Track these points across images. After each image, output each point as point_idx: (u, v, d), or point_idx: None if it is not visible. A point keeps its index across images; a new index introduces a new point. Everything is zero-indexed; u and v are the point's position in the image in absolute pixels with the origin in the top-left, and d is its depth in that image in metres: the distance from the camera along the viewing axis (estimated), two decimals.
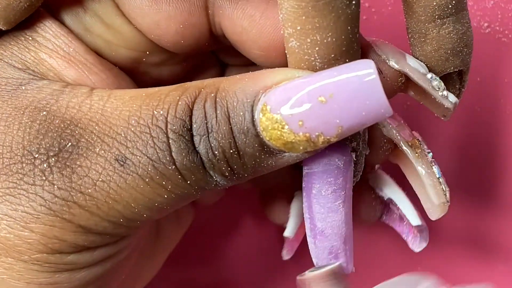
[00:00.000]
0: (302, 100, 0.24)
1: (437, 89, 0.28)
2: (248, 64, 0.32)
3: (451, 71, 0.29)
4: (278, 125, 0.24)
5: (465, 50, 0.28)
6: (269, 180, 0.35)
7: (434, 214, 0.29)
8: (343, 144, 0.26)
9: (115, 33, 0.29)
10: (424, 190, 0.29)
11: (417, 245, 0.31)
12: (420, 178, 0.29)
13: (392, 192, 0.31)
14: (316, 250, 0.28)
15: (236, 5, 0.28)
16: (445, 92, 0.28)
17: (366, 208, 0.32)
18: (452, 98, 0.28)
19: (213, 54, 0.33)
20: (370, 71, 0.23)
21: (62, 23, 0.28)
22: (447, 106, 0.28)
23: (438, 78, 0.28)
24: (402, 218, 0.31)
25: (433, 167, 0.29)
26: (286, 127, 0.24)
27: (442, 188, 0.29)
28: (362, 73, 0.23)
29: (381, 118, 0.24)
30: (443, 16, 0.27)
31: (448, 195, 0.29)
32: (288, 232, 0.33)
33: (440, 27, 0.27)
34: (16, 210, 0.25)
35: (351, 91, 0.23)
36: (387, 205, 0.32)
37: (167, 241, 0.36)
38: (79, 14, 0.29)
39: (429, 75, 0.28)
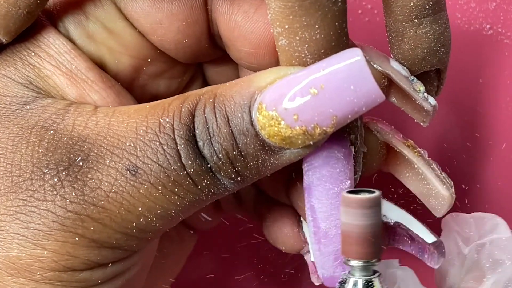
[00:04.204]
0: (295, 95, 0.25)
1: (418, 91, 0.29)
2: None
3: (428, 69, 0.30)
4: (274, 122, 0.25)
5: (442, 49, 0.29)
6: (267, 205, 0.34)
7: (441, 209, 0.29)
8: (341, 137, 0.27)
9: (118, 38, 0.30)
10: (426, 190, 0.30)
11: (435, 261, 0.30)
12: (421, 178, 0.29)
13: (398, 215, 0.31)
14: (322, 257, 0.28)
15: (233, 1, 0.29)
16: (425, 95, 0.29)
17: None
18: (432, 100, 0.29)
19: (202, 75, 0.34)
20: (358, 58, 0.24)
21: (65, 31, 0.29)
22: (426, 109, 0.29)
23: (419, 81, 0.29)
24: (412, 238, 0.31)
25: (433, 163, 0.30)
26: (283, 122, 0.25)
27: (447, 180, 0.29)
28: (350, 61, 0.24)
29: (374, 104, 0.25)
30: (420, 16, 0.28)
31: (453, 187, 0.29)
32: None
33: (417, 27, 0.28)
34: (28, 228, 0.25)
35: (341, 80, 0.24)
36: (393, 230, 0.31)
37: (172, 263, 0.36)
38: (82, 22, 0.29)
39: (411, 78, 0.29)
